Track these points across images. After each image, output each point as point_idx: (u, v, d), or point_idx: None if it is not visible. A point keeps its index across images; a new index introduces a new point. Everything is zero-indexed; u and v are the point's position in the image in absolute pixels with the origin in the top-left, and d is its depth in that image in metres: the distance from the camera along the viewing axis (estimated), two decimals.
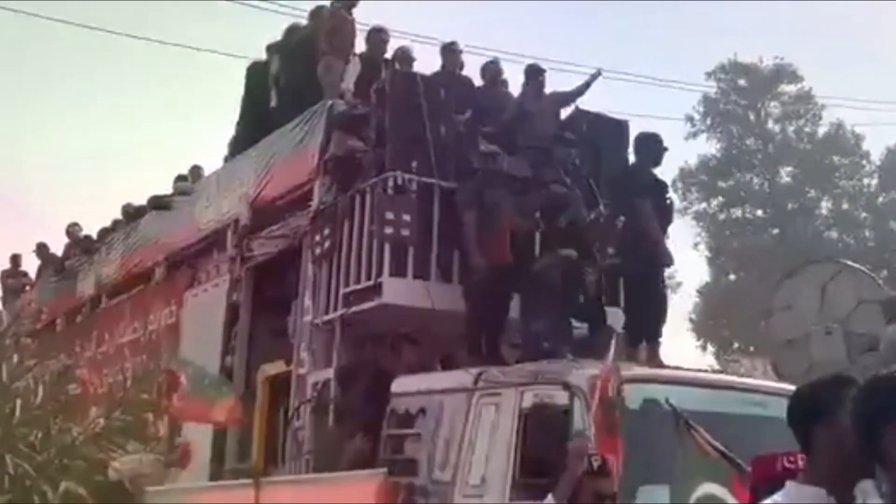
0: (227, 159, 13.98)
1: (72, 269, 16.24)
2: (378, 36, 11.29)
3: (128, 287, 14.43)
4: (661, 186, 9.74)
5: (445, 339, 10.04)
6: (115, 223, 15.92)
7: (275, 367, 11.05)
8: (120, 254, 14.70)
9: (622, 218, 9.69)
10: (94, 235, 16.34)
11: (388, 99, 10.22)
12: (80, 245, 16.57)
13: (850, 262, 11.96)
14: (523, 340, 9.21)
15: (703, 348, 37.69)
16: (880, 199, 38.57)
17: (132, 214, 14.93)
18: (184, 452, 11.54)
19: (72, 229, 16.98)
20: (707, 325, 37.95)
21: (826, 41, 48.75)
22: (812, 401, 3.32)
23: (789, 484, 3.40)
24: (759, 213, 38.87)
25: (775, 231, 38.38)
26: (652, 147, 9.67)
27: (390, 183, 9.82)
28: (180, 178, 14.19)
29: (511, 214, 9.55)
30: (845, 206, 38.70)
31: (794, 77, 38.40)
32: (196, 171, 14.01)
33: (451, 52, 11.48)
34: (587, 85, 10.84)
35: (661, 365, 9.74)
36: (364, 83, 11.14)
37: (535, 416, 7.83)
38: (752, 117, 38.65)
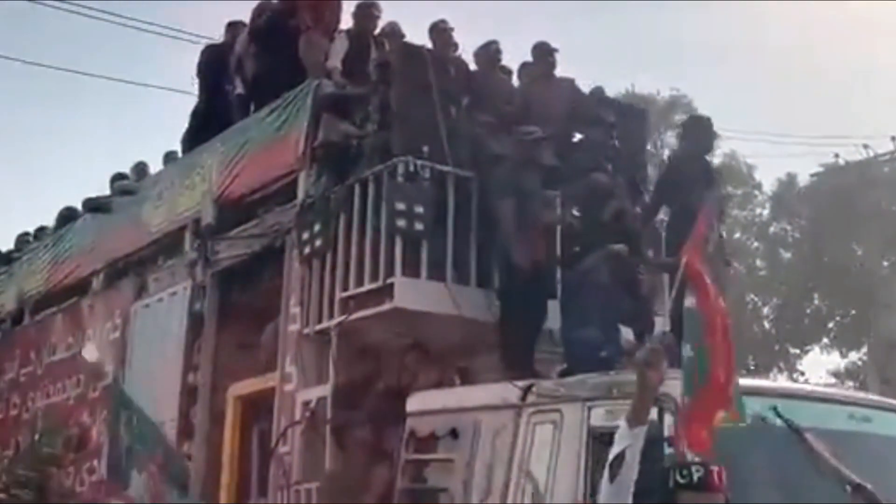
0: (167, 159, 12.12)
1: None
2: (368, 10, 9.59)
3: (57, 300, 12.35)
4: (713, 177, 8.20)
5: (459, 349, 8.40)
6: (38, 231, 13.82)
7: (248, 385, 9.21)
8: (47, 264, 12.60)
9: (665, 212, 8.22)
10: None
11: (395, 75, 8.55)
12: None
13: None
14: (568, 349, 7.59)
15: None
16: (771, 229, 38.14)
17: (62, 219, 12.85)
18: None
19: None
20: None
21: (717, 74, 48.55)
22: None
23: None
24: None
25: None
26: (704, 132, 8.17)
27: (400, 169, 8.14)
28: (119, 177, 12.19)
29: (546, 206, 8.00)
30: (737, 234, 38.14)
31: (689, 108, 37.70)
32: (140, 168, 12.06)
33: (441, 31, 9.79)
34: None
35: None
36: (353, 62, 9.46)
37: (610, 437, 6.25)
38: (649, 147, 37.82)
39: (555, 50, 9.35)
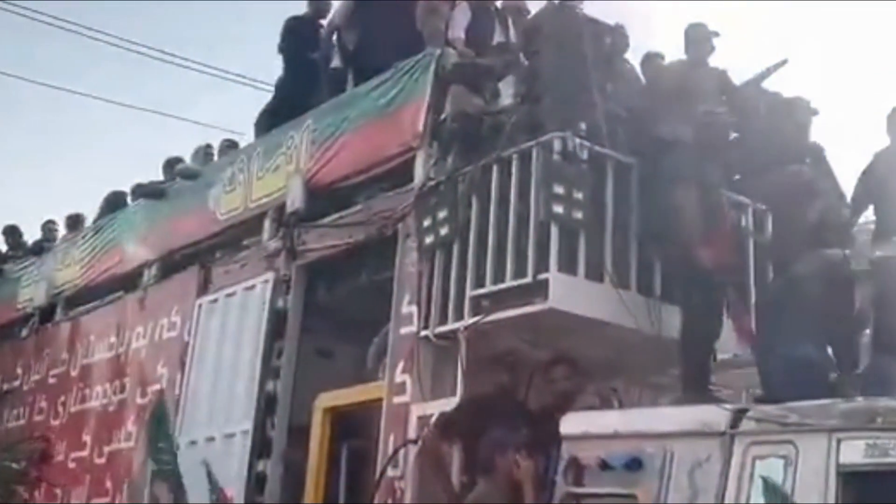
0: (223, 147, 10.49)
1: (10, 273, 12.27)
2: None
3: (97, 295, 10.61)
4: None
5: (613, 364, 6.81)
6: (70, 219, 12.12)
7: (340, 396, 7.54)
8: (85, 254, 10.86)
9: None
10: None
11: (547, 41, 6.99)
12: (21, 247, 12.67)
13: None
14: (772, 371, 5.97)
15: None
16: None
17: (108, 206, 11.14)
18: None
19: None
20: None
21: None
22: None
23: None
24: None
25: None
26: None
27: (556, 146, 6.55)
28: (176, 161, 10.50)
29: (728, 201, 6.47)
30: None
31: None
32: (205, 151, 10.41)
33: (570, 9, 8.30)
34: (766, 74, 7.86)
35: None
36: (475, 35, 7.95)
37: (873, 480, 4.69)
38: None
39: (715, 34, 7.82)
